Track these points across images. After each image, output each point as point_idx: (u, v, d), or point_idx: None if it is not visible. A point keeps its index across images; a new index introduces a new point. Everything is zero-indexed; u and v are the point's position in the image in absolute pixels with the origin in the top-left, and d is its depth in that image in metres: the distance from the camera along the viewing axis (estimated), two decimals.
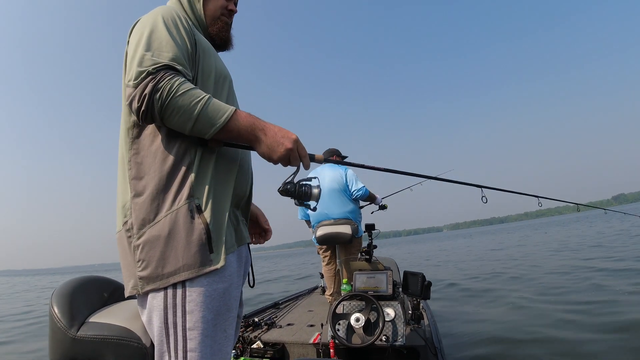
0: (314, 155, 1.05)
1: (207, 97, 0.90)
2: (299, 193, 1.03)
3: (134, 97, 0.88)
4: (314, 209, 1.09)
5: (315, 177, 1.13)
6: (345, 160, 4.01)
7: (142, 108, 0.87)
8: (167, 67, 0.89)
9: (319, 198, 1.05)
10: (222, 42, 1.22)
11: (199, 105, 0.88)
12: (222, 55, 1.25)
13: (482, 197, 1.60)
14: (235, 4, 1.26)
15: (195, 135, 0.92)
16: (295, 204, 1.06)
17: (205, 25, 1.18)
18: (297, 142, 0.96)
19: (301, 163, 1.00)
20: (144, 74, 0.87)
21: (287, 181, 1.03)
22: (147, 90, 0.86)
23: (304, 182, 1.04)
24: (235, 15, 1.25)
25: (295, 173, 1.03)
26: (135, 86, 0.88)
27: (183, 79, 0.90)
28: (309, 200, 1.05)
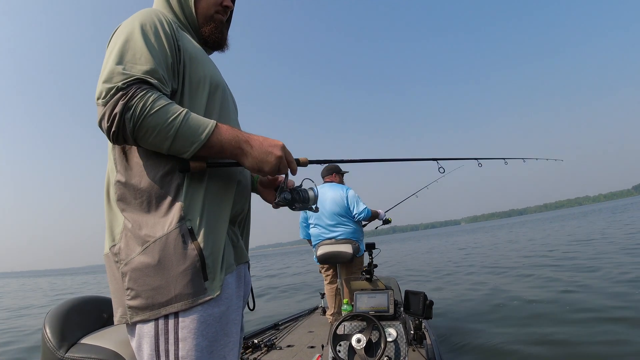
0: (298, 159, 1.01)
1: (184, 112, 0.83)
2: (297, 199, 1.01)
3: (103, 116, 0.80)
4: (316, 209, 1.07)
5: (307, 179, 1.06)
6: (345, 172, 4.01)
7: (113, 129, 0.80)
8: (139, 82, 0.82)
9: (316, 200, 1.04)
10: (216, 43, 1.13)
11: (175, 122, 0.81)
12: (219, 57, 1.18)
13: (440, 167, 1.61)
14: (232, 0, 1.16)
15: (173, 154, 0.86)
16: (296, 208, 1.03)
17: (197, 26, 1.09)
18: (284, 148, 0.93)
19: (289, 169, 0.97)
20: (112, 91, 0.79)
21: (278, 189, 1.01)
22: (117, 110, 0.78)
23: (298, 188, 1.03)
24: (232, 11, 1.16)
25: (285, 180, 1.00)
26: (104, 104, 0.80)
27: (158, 94, 0.83)
28: (307, 204, 1.03)
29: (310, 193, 1.03)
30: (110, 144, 0.92)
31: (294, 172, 0.99)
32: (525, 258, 10.79)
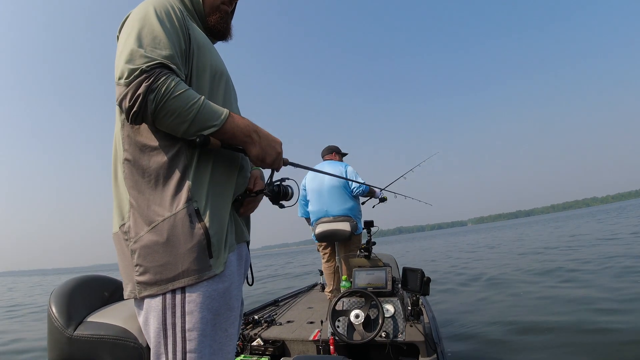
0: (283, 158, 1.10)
1: (202, 98, 0.87)
2: (281, 194, 1.08)
3: (125, 96, 0.83)
4: (288, 204, 1.13)
5: (289, 178, 1.14)
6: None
7: (135, 109, 0.83)
8: (161, 66, 0.84)
9: (293, 198, 1.12)
10: (220, 33, 1.16)
11: (194, 107, 0.85)
12: (218, 46, 1.20)
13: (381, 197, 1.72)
14: None
15: (187, 137, 0.89)
16: (278, 203, 1.10)
17: (204, 15, 1.12)
18: (281, 146, 1.01)
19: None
20: (137, 72, 0.82)
21: (268, 183, 1.07)
22: (141, 90, 0.81)
23: (284, 184, 1.09)
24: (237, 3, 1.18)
25: (271, 175, 1.07)
26: (127, 84, 0.82)
27: (178, 79, 0.86)
28: (286, 199, 1.11)
29: (290, 190, 1.11)
30: (118, 123, 0.94)
31: (278, 169, 1.06)
32: (524, 254, 10.99)
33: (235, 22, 1.21)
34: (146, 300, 0.88)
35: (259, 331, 2.73)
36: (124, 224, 0.90)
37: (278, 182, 1.08)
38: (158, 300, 0.86)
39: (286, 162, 1.10)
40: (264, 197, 1.11)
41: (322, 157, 3.99)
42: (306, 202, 3.88)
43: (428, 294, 2.54)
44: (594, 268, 6.45)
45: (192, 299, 0.86)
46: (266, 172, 1.08)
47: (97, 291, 1.14)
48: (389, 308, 2.34)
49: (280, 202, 1.10)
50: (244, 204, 1.11)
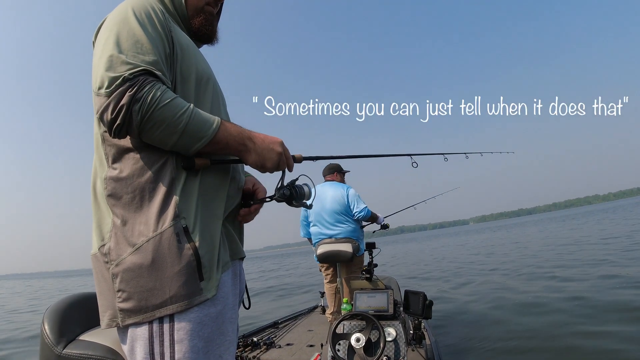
0: (294, 156, 1.02)
1: (191, 107, 0.81)
2: (295, 195, 0.99)
3: (107, 107, 0.75)
4: (310, 206, 1.06)
5: (303, 175, 1.05)
6: (345, 171, 4.01)
7: (118, 121, 0.75)
8: (145, 73, 0.78)
9: (311, 195, 1.04)
10: (206, 36, 1.08)
11: (184, 117, 0.79)
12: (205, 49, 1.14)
13: (413, 162, 1.65)
14: None
15: (177, 150, 0.83)
16: (294, 205, 1.01)
17: (187, 17, 1.04)
18: (283, 145, 0.94)
19: (287, 166, 0.97)
20: (119, 80, 0.75)
21: (279, 187, 0.99)
22: (124, 101, 0.74)
23: (296, 184, 1.01)
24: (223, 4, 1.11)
25: (282, 177, 0.99)
26: (109, 95, 0.75)
27: (165, 87, 0.79)
28: (303, 200, 1.02)
29: (306, 189, 1.02)
30: (98, 138, 0.87)
31: (290, 169, 0.99)
32: (530, 259, 10.73)
33: (222, 24, 1.15)
34: (131, 329, 0.81)
35: (258, 353, 2.68)
36: (104, 245, 0.83)
37: (289, 185, 0.99)
38: (144, 329, 0.79)
39: (300, 159, 1.03)
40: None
41: (324, 177, 3.99)
42: (308, 223, 3.86)
43: (430, 318, 2.49)
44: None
45: (182, 326, 0.79)
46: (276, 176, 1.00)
47: (96, 309, 1.13)
48: (391, 332, 2.30)
49: (298, 202, 1.01)
50: (250, 210, 1.04)
